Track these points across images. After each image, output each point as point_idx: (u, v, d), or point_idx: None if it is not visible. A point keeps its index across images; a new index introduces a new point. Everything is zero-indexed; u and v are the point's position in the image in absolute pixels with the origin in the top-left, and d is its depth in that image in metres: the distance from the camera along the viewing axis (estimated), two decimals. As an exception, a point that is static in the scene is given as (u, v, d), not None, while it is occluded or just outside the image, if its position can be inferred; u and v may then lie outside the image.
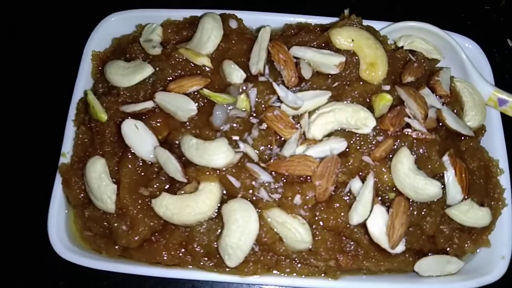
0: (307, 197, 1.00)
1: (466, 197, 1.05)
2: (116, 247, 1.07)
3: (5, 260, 1.23)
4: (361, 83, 1.10)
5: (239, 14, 1.22)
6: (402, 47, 1.20)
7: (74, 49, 1.25)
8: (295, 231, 1.00)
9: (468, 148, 1.12)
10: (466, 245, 1.06)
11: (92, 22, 1.26)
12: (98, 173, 1.04)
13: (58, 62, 1.38)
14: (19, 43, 1.46)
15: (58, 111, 1.20)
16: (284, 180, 1.03)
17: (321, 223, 1.02)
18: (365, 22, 1.18)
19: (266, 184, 1.02)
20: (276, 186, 1.02)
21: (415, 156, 1.03)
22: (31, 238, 1.20)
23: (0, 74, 1.42)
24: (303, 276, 1.04)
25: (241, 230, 0.98)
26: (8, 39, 1.47)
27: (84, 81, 1.21)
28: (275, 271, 1.05)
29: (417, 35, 1.23)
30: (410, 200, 1.02)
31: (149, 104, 1.09)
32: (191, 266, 1.05)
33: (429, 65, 1.18)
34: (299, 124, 1.06)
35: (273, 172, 1.03)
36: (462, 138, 1.13)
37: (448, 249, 1.06)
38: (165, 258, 1.03)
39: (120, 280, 1.20)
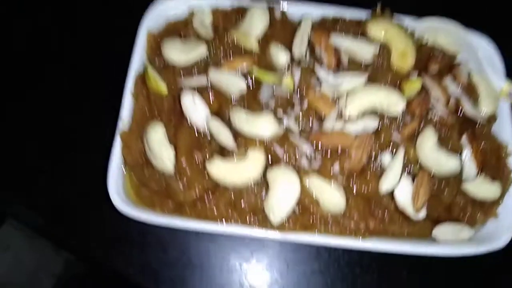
0: (344, 166, 1.14)
1: (480, 172, 1.20)
2: (170, 204, 1.20)
3: (69, 215, 1.37)
4: (392, 71, 1.25)
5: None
6: (426, 41, 1.35)
7: (128, 29, 1.35)
8: (332, 195, 1.14)
9: (481, 133, 1.27)
10: (477, 215, 1.20)
11: (146, 3, 1.38)
12: (159, 136, 1.16)
13: (113, 40, 1.49)
14: (79, 22, 1.59)
15: (115, 85, 1.29)
16: (323, 151, 1.17)
17: (354, 190, 1.16)
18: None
19: (307, 154, 1.16)
20: (316, 156, 1.16)
21: (437, 136, 1.18)
22: (92, 195, 1.32)
23: (60, 51, 1.55)
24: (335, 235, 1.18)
25: (285, 192, 1.12)
26: (68, 20, 1.59)
27: (139, 58, 1.32)
28: (311, 231, 1.18)
29: (439, 30, 1.37)
30: (432, 174, 1.17)
31: (203, 80, 1.22)
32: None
33: (449, 58, 1.33)
34: (337, 104, 1.20)
35: (313, 144, 1.17)
36: (477, 125, 1.28)
37: (462, 218, 1.21)
38: (215, 214, 1.16)
39: (165, 236, 1.33)
